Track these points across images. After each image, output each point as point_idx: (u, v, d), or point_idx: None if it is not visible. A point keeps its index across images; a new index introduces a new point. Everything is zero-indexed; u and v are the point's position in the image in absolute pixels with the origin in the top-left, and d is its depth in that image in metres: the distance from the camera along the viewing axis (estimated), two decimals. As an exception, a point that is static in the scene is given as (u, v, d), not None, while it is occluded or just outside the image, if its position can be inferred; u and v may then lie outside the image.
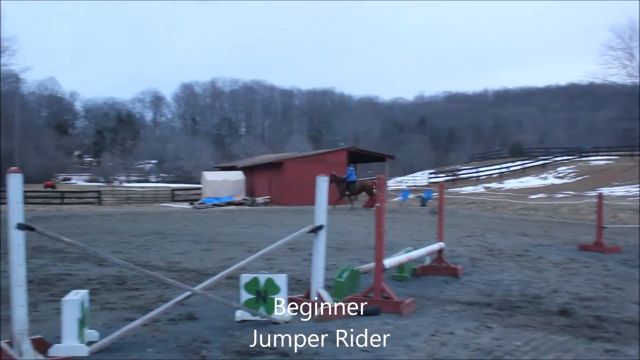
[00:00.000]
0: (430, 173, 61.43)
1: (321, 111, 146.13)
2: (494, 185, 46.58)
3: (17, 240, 4.30)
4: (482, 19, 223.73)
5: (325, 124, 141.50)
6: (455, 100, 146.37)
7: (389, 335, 5.30)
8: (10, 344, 4.39)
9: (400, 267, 8.20)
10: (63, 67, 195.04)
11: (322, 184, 6.24)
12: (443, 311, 6.37)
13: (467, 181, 51.93)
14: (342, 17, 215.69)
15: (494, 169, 54.50)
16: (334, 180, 29.07)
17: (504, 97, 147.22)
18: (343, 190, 29.55)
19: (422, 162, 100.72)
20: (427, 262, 9.16)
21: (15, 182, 4.33)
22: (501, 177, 51.08)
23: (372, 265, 7.17)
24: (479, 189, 44.71)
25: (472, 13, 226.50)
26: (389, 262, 6.82)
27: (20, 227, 4.31)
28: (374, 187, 31.19)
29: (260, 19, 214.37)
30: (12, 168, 4.40)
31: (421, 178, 59.94)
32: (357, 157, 43.12)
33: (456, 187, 46.40)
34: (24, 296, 4.35)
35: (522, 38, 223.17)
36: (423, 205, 33.64)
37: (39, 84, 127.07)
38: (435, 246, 8.91)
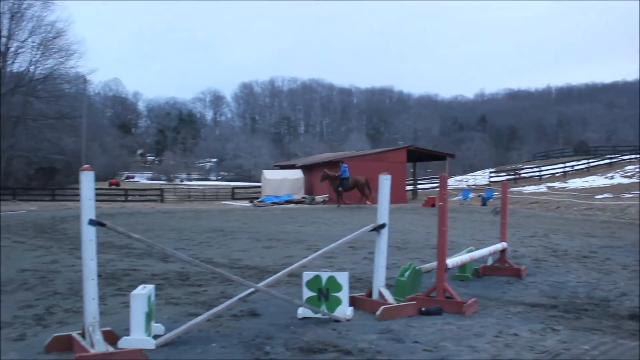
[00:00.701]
0: (491, 172, 60.41)
1: (380, 109, 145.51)
2: (557, 184, 45.35)
3: (89, 235, 4.44)
4: (544, 15, 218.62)
5: (384, 122, 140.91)
6: (517, 98, 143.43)
7: (451, 335, 5.26)
8: (82, 335, 4.54)
9: (462, 266, 8.09)
10: (126, 68, 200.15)
11: (384, 182, 6.21)
12: (507, 312, 6.26)
13: (529, 180, 50.79)
14: (401, 15, 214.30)
15: (557, 168, 53.06)
16: (327, 177, 28.93)
17: (568, 94, 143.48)
18: (337, 187, 29.22)
19: (483, 160, 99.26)
20: (489, 262, 9.01)
21: (87, 180, 4.47)
22: (565, 176, 49.71)
23: (433, 264, 7.10)
24: (542, 188, 43.64)
25: (534, 10, 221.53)
26: (451, 261, 6.74)
27: (92, 222, 4.45)
28: (367, 183, 30.96)
29: (319, 18, 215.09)
30: (85, 166, 4.54)
31: (481, 177, 58.95)
32: (416, 155, 42.75)
33: (518, 187, 45.42)
34: (95, 289, 4.49)
35: (587, 33, 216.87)
36: (484, 204, 33.09)
37: (103, 85, 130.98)
38: (498, 246, 8.76)
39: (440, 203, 6.42)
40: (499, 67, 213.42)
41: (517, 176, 52.99)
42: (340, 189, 29.45)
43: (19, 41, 55.12)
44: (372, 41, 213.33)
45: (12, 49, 55.70)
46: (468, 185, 49.90)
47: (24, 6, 53.66)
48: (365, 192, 30.89)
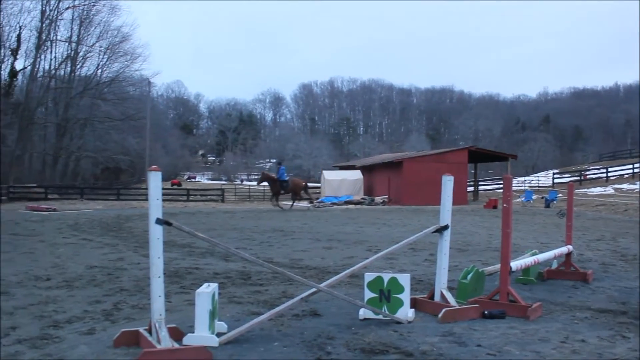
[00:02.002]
0: (555, 173, 58.97)
1: (440, 110, 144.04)
2: (625, 186, 43.86)
3: (156, 234, 4.54)
4: (612, 10, 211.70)
5: (444, 123, 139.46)
6: (583, 97, 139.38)
7: (515, 340, 5.15)
8: (149, 330, 4.65)
9: (526, 270, 7.91)
10: (188, 71, 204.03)
11: (448, 183, 6.14)
12: (573, 317, 6.09)
13: (595, 182, 49.33)
14: (461, 14, 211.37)
15: (625, 169, 51.30)
16: (266, 179, 28.38)
17: (637, 92, 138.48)
18: (277, 189, 28.58)
19: (546, 161, 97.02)
20: (554, 265, 8.79)
21: (155, 180, 4.57)
22: (633, 177, 48.03)
23: (496, 267, 6.98)
24: (609, 190, 42.31)
25: (600, 6, 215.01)
26: (515, 264, 6.61)
27: (159, 222, 4.55)
28: (305, 187, 30.34)
29: (378, 18, 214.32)
30: (153, 166, 4.64)
31: (545, 178, 57.66)
32: (477, 156, 42.14)
33: (583, 188, 44.18)
34: (162, 286, 4.59)
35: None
36: (547, 206, 32.33)
37: (166, 87, 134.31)
38: (564, 249, 8.53)
39: (505, 205, 6.30)
40: (564, 65, 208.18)
41: (582, 177, 51.55)
42: (282, 191, 28.83)
43: (88, 46, 56.97)
44: (432, 41, 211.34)
45: (81, 54, 57.61)
46: (531, 186, 48.86)
47: (92, 12, 55.41)
48: (303, 195, 30.41)
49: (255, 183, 43.77)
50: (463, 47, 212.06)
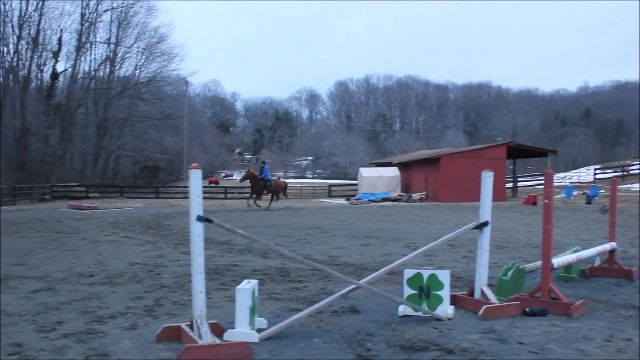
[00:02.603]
0: (596, 169, 57.87)
1: (477, 105, 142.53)
2: (669, 181, 42.88)
3: (197, 231, 4.60)
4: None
5: (482, 119, 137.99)
6: (625, 90, 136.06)
7: (558, 337, 5.08)
8: (191, 326, 4.72)
9: (568, 267, 7.78)
10: (225, 70, 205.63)
11: (487, 179, 6.07)
12: (617, 316, 5.96)
13: (638, 177, 48.28)
14: (498, 8, 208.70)
15: (669, 164, 50.18)
16: (250, 177, 27.68)
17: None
18: (260, 189, 27.81)
19: (587, 157, 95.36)
20: (597, 262, 8.63)
21: (196, 177, 4.63)
22: (678, 172, 46.93)
23: (537, 264, 6.89)
24: (652, 185, 41.38)
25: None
26: (557, 261, 6.50)
27: (200, 219, 4.60)
28: (285, 188, 29.79)
29: (413, 13, 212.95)
30: (193, 164, 4.70)
31: (585, 174, 56.63)
32: (516, 152, 41.59)
33: (626, 184, 43.26)
34: (202, 283, 4.64)
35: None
36: (589, 202, 31.76)
37: (203, 86, 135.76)
38: (607, 246, 8.36)
39: (546, 201, 6.21)
40: (605, 57, 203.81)
41: (624, 173, 50.48)
42: (265, 191, 28.12)
43: (126, 47, 57.90)
44: (469, 35, 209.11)
45: (120, 55, 58.59)
46: (571, 182, 48.07)
47: (130, 14, 56.29)
48: (281, 196, 29.91)
49: (290, 181, 43.73)
50: (500, 42, 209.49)
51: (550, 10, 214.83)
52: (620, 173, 50.39)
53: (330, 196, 47.59)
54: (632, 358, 4.55)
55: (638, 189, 39.27)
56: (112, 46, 57.37)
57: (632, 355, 4.62)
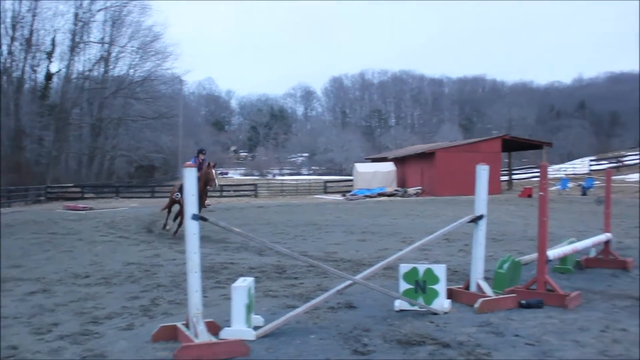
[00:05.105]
0: (591, 160, 57.95)
1: (472, 99, 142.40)
2: (664, 172, 42.96)
3: (192, 229, 4.59)
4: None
5: (477, 112, 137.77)
6: (619, 81, 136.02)
7: (554, 329, 5.09)
8: (187, 325, 4.71)
9: (563, 259, 7.80)
10: (219, 67, 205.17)
11: (482, 173, 6.08)
12: (613, 306, 5.98)
13: (633, 168, 48.35)
14: (491, 2, 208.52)
15: (664, 155, 50.28)
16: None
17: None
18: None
19: (582, 149, 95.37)
20: (592, 254, 8.64)
21: (190, 176, 4.63)
22: (674, 163, 47.02)
23: (533, 256, 6.89)
24: (647, 176, 41.49)
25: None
26: (552, 253, 6.52)
27: (195, 217, 4.60)
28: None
29: (407, 9, 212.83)
30: (188, 163, 4.72)
31: (581, 166, 56.65)
32: (511, 145, 41.62)
33: (620, 175, 43.34)
34: (198, 281, 4.64)
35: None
36: (584, 194, 31.83)
37: (197, 85, 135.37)
38: (602, 237, 8.38)
39: (541, 193, 6.22)
40: (599, 49, 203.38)
41: (619, 164, 50.58)
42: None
43: (120, 46, 57.71)
44: (463, 29, 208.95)
45: (114, 54, 58.41)
46: (566, 174, 48.14)
47: (124, 13, 56.10)
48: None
49: (285, 178, 43.57)
50: (494, 35, 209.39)
51: (543, 4, 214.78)
52: (615, 164, 50.46)
53: (326, 192, 47.54)
54: (627, 348, 4.56)
55: (637, 180, 39.36)
56: (106, 46, 57.14)
57: (628, 345, 4.63)
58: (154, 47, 59.04)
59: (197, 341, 4.41)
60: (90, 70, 57.44)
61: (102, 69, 58.58)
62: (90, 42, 56.26)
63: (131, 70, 60.21)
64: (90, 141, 58.40)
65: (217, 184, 14.51)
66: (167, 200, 16.25)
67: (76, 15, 52.61)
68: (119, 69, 60.42)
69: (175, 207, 15.13)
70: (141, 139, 61.17)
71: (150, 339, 4.79)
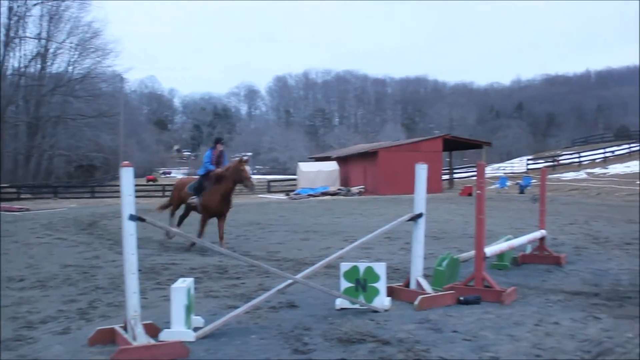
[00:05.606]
0: (529, 159, 59.52)
1: (414, 99, 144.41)
2: (597, 170, 44.42)
3: (129, 230, 4.52)
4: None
5: (419, 112, 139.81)
6: (555, 83, 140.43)
7: (491, 324, 5.22)
8: (125, 328, 4.63)
9: (500, 255, 8.02)
10: (162, 66, 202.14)
11: (421, 172, 6.19)
12: (547, 301, 6.18)
13: (568, 167, 49.88)
14: (432, 4, 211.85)
15: (597, 154, 51.95)
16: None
17: (608, 78, 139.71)
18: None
19: (520, 148, 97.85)
20: (528, 250, 8.90)
21: (127, 176, 4.55)
22: (605, 162, 48.66)
23: (471, 253, 7.04)
24: (581, 174, 42.86)
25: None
26: (489, 250, 6.68)
27: (132, 218, 4.52)
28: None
29: (351, 9, 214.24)
30: (124, 162, 4.62)
31: (519, 165, 58.15)
32: (452, 144, 42.38)
33: (556, 174, 44.68)
34: (136, 283, 4.56)
35: (627, 13, 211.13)
36: (522, 192, 32.70)
37: (139, 83, 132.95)
38: (537, 234, 8.64)
39: (478, 191, 6.37)
40: (536, 52, 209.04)
41: (555, 163, 52.13)
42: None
43: (58, 42, 56.17)
44: (404, 29, 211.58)
45: (52, 51, 56.82)
46: (505, 173, 49.33)
47: (62, 8, 54.61)
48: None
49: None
50: (436, 36, 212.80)
51: (483, 5, 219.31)
52: (551, 163, 51.96)
53: (269, 192, 47.37)
54: (559, 341, 4.71)
55: (571, 178, 40.62)
56: (43, 41, 55.54)
57: (560, 338, 4.79)
58: (94, 44, 57.68)
59: (135, 344, 4.33)
60: (26, 67, 55.71)
61: (39, 66, 56.89)
62: (26, 37, 54.59)
63: (70, 67, 58.71)
64: (26, 140, 56.65)
65: (253, 185, 12.19)
66: (162, 199, 14.45)
67: (10, 8, 50.94)
68: (57, 65, 58.81)
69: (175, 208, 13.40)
70: (81, 137, 59.64)
71: (87, 342, 4.68)
